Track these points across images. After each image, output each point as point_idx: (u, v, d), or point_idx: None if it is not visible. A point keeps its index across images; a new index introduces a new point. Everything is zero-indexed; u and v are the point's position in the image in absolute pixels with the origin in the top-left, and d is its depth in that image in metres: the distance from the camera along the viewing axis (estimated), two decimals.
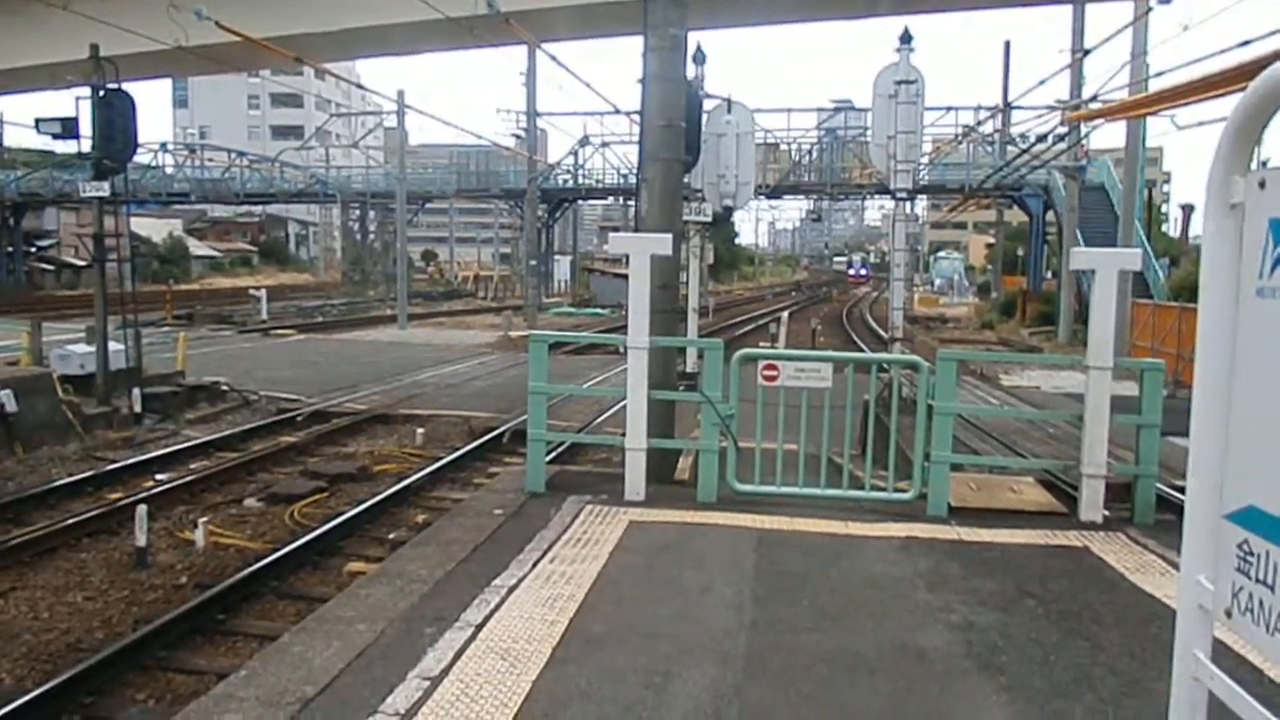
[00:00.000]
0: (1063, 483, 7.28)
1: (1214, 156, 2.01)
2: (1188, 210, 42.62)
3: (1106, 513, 6.33)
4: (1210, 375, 2.02)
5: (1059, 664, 4.01)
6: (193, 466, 10.71)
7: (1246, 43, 10.76)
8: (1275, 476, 1.81)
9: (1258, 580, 1.84)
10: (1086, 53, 22.16)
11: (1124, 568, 5.34)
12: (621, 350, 6.73)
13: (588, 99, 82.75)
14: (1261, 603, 1.83)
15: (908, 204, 10.87)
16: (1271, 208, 1.85)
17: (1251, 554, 1.87)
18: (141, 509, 7.62)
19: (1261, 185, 1.88)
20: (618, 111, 35.52)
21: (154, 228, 61.07)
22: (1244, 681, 1.92)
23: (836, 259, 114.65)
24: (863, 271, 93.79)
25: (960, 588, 4.94)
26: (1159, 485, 6.51)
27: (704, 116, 10.81)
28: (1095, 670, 3.96)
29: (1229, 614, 1.94)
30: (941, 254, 77.74)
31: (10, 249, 50.79)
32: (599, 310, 39.47)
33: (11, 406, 10.85)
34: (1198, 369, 2.07)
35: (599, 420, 12.59)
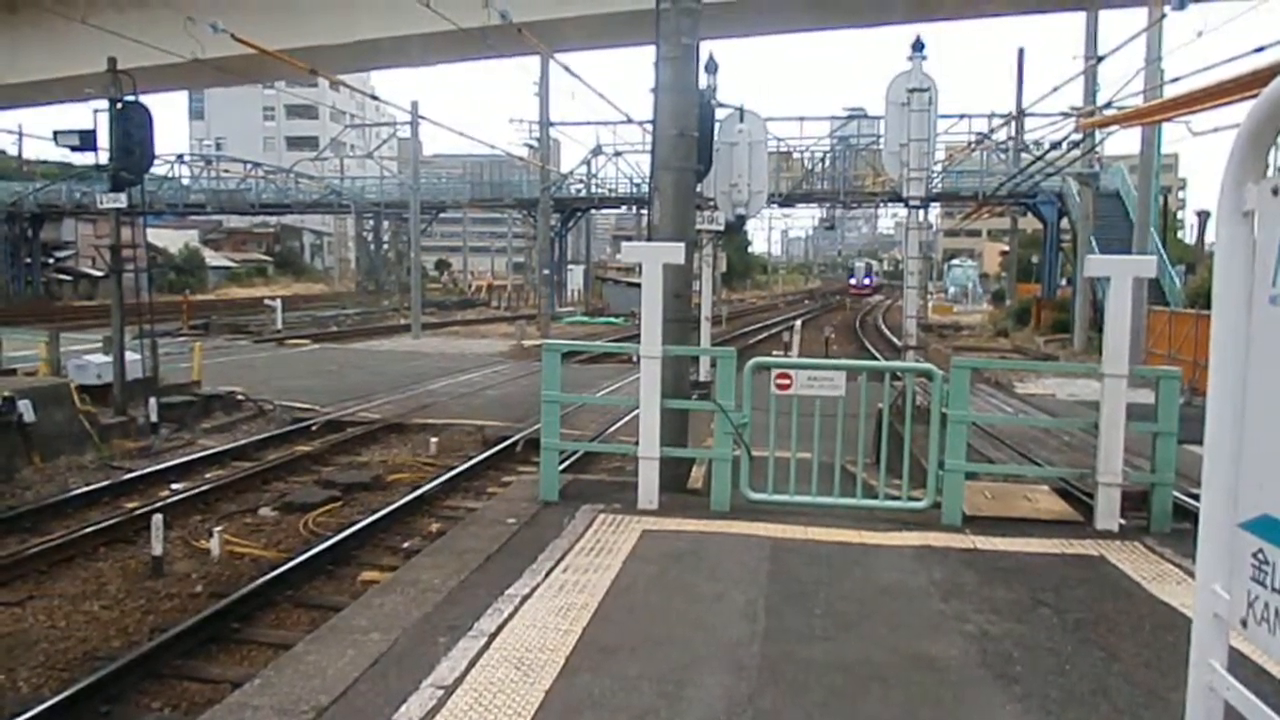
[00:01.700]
0: (1078, 491, 7.24)
1: (1227, 163, 2.00)
2: (1204, 217, 42.28)
3: (1123, 521, 6.29)
4: (1224, 383, 2.01)
5: (1075, 674, 3.99)
6: (208, 476, 10.77)
7: (1261, 49, 10.71)
8: None
9: (1273, 589, 1.83)
10: (1100, 59, 22.07)
11: (1140, 576, 5.30)
12: (634, 359, 6.73)
13: (600, 108, 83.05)
14: (1277, 612, 1.82)
15: (921, 212, 10.86)
16: None
17: (1267, 563, 1.85)
18: (158, 518, 7.68)
19: (1274, 192, 1.86)
20: (630, 121, 35.60)
21: (170, 238, 61.55)
22: (1261, 691, 1.90)
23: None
24: (866, 281, 79.24)
25: (975, 597, 4.91)
26: (1175, 493, 6.46)
27: (716, 125, 10.84)
28: (1111, 680, 3.93)
29: (1244, 623, 1.93)
30: (955, 261, 77.21)
31: (29, 260, 51.37)
32: (612, 319, 39.50)
33: (30, 416, 10.94)
34: (1211, 377, 2.06)
35: (612, 429, 12.60)
